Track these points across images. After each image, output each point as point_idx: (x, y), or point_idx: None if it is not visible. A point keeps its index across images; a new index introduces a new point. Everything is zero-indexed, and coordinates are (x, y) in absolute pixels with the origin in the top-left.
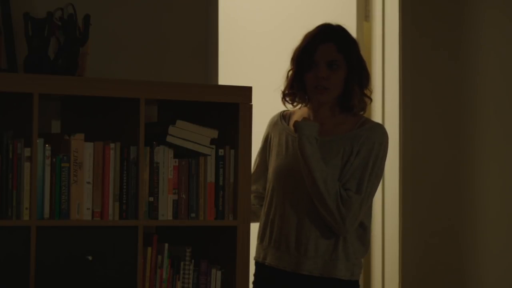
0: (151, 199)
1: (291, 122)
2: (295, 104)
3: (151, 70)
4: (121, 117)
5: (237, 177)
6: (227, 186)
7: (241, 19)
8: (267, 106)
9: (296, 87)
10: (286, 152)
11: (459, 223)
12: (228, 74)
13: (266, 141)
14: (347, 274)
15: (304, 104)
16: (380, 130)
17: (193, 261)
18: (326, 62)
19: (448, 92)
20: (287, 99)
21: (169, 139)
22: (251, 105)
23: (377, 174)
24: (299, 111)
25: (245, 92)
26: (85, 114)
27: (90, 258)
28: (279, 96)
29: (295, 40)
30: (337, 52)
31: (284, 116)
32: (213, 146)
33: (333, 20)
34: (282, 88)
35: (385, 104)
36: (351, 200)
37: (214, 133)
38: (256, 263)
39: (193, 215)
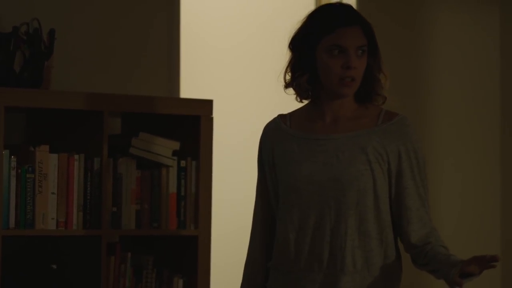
0: (114, 209)
1: (295, 125)
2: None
3: (115, 83)
4: (85, 129)
5: (198, 187)
6: (188, 197)
7: (203, 32)
8: (228, 119)
9: (302, 78)
10: (313, 158)
11: None
12: (190, 87)
13: (265, 160)
14: None
15: (306, 98)
16: (410, 123)
17: (155, 269)
18: (355, 48)
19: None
20: (304, 93)
21: (132, 150)
22: (212, 118)
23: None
24: (300, 111)
25: (206, 105)
26: (50, 126)
27: (54, 266)
28: (240, 109)
29: (257, 53)
30: (364, 36)
31: (283, 120)
32: (175, 158)
33: None
34: (283, 78)
35: None
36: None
37: (176, 145)
38: None
39: (155, 224)
